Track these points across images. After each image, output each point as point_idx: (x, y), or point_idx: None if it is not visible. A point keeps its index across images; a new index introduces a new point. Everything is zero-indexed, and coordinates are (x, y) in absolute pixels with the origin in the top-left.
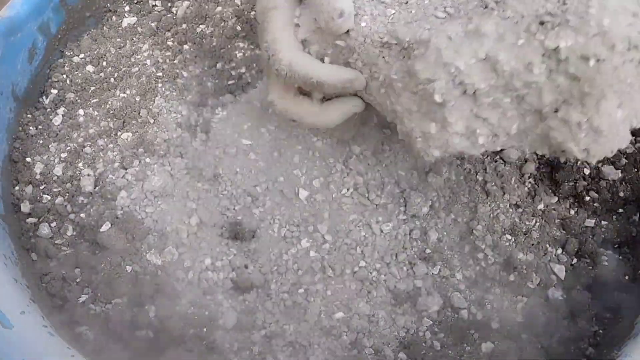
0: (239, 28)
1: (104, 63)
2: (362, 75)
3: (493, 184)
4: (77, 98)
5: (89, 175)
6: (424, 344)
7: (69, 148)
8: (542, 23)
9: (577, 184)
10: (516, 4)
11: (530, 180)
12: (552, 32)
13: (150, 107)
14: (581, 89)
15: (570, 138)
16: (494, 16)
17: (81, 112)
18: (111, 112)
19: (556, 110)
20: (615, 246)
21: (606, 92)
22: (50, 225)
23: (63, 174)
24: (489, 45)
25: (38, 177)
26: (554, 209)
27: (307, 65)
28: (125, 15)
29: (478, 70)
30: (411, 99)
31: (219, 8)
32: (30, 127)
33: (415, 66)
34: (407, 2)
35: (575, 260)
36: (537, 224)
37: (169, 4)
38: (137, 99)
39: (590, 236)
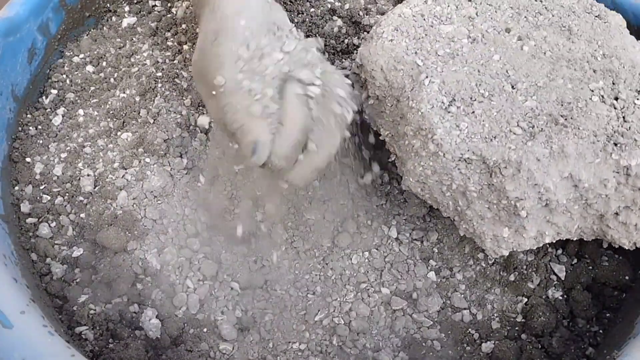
0: None
1: (104, 63)
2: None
3: None
4: (77, 98)
5: (89, 175)
6: (424, 344)
7: (69, 148)
8: (616, 144)
9: None
10: (584, 120)
11: None
12: (625, 152)
13: (150, 107)
14: None
15: (625, 236)
16: (571, 135)
17: (81, 112)
18: (111, 112)
19: (617, 214)
20: (615, 246)
21: None
22: (50, 225)
23: (63, 174)
24: (572, 164)
25: (38, 177)
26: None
27: None
28: (125, 15)
29: (562, 188)
30: (487, 207)
31: None
32: (30, 127)
33: (505, 186)
34: (473, 112)
35: (575, 260)
36: None
37: (169, 4)
38: (137, 99)
39: None
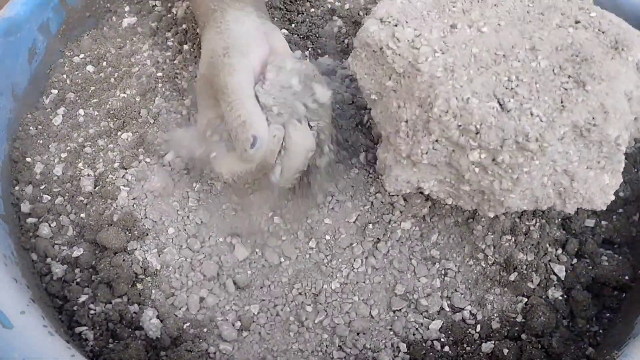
0: None
1: (104, 63)
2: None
3: None
4: (77, 98)
5: (89, 175)
6: (424, 344)
7: (69, 148)
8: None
9: None
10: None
11: None
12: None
13: (150, 107)
14: None
15: None
16: (590, 64)
17: (81, 112)
18: (111, 112)
19: None
20: (615, 246)
21: None
22: (50, 225)
23: (63, 174)
24: (619, 84)
25: (38, 177)
26: (553, 209)
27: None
28: (125, 15)
29: (627, 104)
30: (587, 169)
31: None
32: (30, 127)
33: (607, 131)
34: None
35: (575, 260)
36: (537, 224)
37: (169, 4)
38: (137, 99)
39: (590, 236)
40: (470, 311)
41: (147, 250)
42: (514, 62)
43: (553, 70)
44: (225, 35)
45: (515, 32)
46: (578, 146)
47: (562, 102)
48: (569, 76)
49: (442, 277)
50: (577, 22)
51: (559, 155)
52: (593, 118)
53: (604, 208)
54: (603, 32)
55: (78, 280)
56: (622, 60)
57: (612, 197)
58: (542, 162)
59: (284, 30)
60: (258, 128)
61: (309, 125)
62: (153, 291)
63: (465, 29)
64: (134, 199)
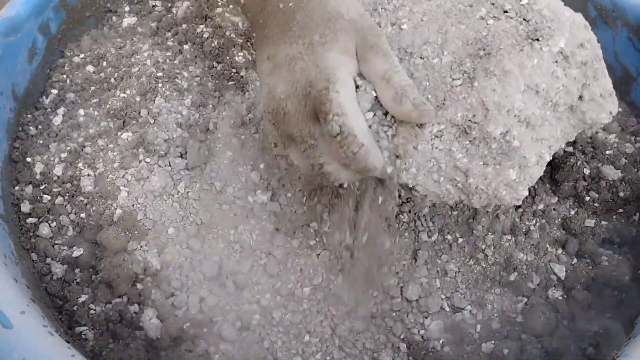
0: (240, 27)
1: (104, 63)
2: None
3: None
4: (77, 98)
5: (89, 175)
6: (424, 344)
7: (69, 148)
8: (536, 39)
9: (577, 184)
10: (498, 41)
11: None
12: (548, 40)
13: (151, 107)
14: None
15: (599, 110)
16: (499, 57)
17: (81, 112)
18: (111, 112)
19: (581, 97)
20: (615, 246)
21: None
22: (50, 225)
23: (63, 174)
24: (520, 77)
25: (38, 177)
26: (554, 209)
27: (376, 155)
28: (125, 15)
29: (529, 100)
30: (482, 164)
31: (219, 9)
32: (30, 127)
33: (487, 129)
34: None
35: (575, 260)
36: (537, 224)
37: (169, 4)
38: (137, 99)
39: (590, 236)
40: (470, 311)
41: (147, 250)
42: (417, 59)
43: (452, 66)
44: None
45: (433, 27)
46: (463, 143)
47: (444, 99)
48: (465, 72)
49: (442, 277)
50: (505, 11)
51: (439, 153)
52: (473, 115)
53: (517, 204)
54: (526, 21)
55: (78, 280)
56: (534, 52)
57: (525, 193)
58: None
59: None
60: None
61: None
62: (153, 291)
63: (387, 27)
64: (134, 199)
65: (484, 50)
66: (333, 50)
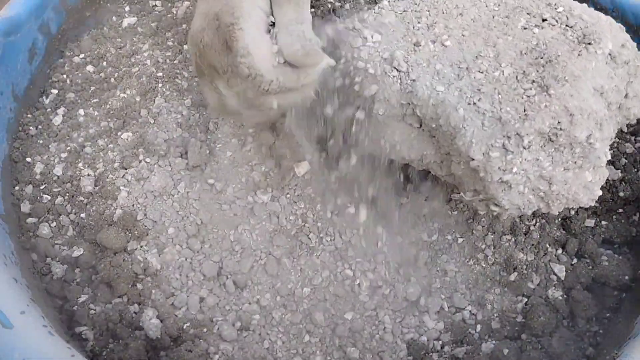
0: None
1: (104, 63)
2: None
3: None
4: (77, 98)
5: (89, 175)
6: (424, 344)
7: (69, 148)
8: (587, 43)
9: None
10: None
11: None
12: (596, 44)
13: (151, 107)
14: None
15: None
16: (562, 63)
17: (81, 112)
18: (111, 112)
19: (626, 95)
20: (615, 246)
21: None
22: (50, 225)
23: (63, 174)
24: (587, 80)
25: (38, 177)
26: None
27: (290, 81)
28: (125, 15)
29: (598, 103)
30: (563, 169)
31: None
32: (30, 127)
33: (575, 134)
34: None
35: (575, 260)
36: (537, 224)
37: (169, 4)
38: (137, 99)
39: (590, 236)
40: (470, 311)
41: (147, 250)
42: (476, 74)
43: (517, 77)
44: None
45: (479, 40)
46: (548, 151)
47: (524, 110)
48: (533, 81)
49: (442, 277)
50: (543, 19)
51: (528, 164)
52: (558, 122)
53: (592, 204)
54: (570, 27)
55: (78, 280)
56: (590, 55)
57: (599, 193)
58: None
59: None
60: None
61: None
62: (153, 291)
63: (428, 45)
64: (134, 199)
65: (542, 58)
66: None
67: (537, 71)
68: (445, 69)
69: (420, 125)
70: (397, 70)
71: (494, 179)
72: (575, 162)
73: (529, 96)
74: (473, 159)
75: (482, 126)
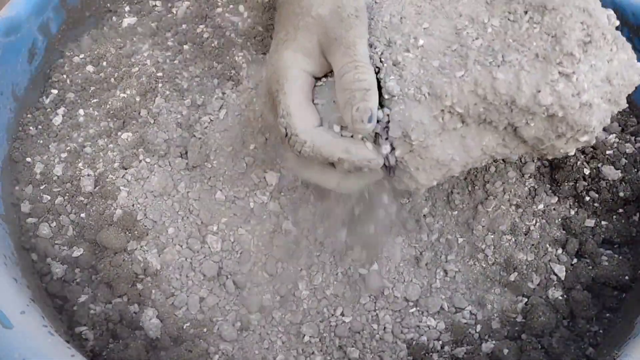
0: (240, 27)
1: (104, 63)
2: (380, 156)
3: (493, 184)
4: (77, 98)
5: (89, 175)
6: (424, 345)
7: (69, 148)
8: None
9: (577, 184)
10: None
11: (530, 180)
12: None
13: (151, 107)
14: None
15: None
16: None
17: (81, 112)
18: (111, 112)
19: None
20: (615, 246)
21: None
22: (50, 225)
23: (63, 174)
24: None
25: (38, 177)
26: (554, 209)
27: (328, 146)
28: (125, 15)
29: None
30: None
31: (219, 9)
32: (30, 127)
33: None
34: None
35: (575, 260)
36: (537, 224)
37: (169, 4)
38: (137, 99)
39: (590, 236)
40: (470, 311)
41: (147, 250)
42: (474, 42)
43: (508, 19)
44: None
45: (442, 21)
46: (591, 52)
47: (549, 35)
48: (525, 12)
49: (442, 277)
50: None
51: (589, 74)
52: (582, 22)
53: None
54: None
55: (78, 280)
56: None
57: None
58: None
59: None
60: (374, 102)
61: None
62: (153, 291)
63: (407, 54)
64: (134, 199)
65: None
66: (289, 49)
67: (518, 3)
68: (445, 59)
69: (463, 122)
70: (406, 91)
71: (575, 107)
72: (611, 50)
73: (537, 23)
74: (544, 106)
75: (528, 73)
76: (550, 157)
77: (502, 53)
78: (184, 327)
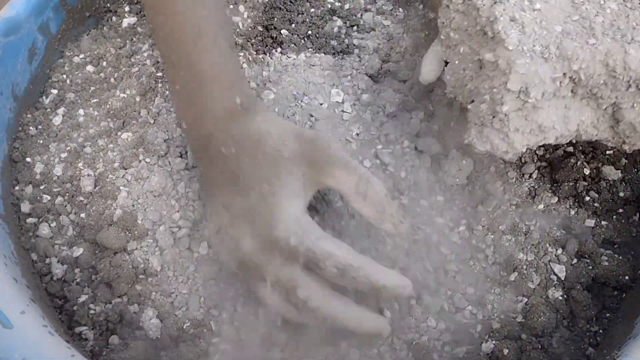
0: (240, 28)
1: (104, 63)
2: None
3: (493, 184)
4: (77, 98)
5: (89, 175)
6: (424, 344)
7: (69, 148)
8: None
9: (577, 184)
10: None
11: (530, 180)
12: None
13: (150, 107)
14: None
15: None
16: None
17: (81, 112)
18: (111, 112)
19: None
20: (615, 246)
21: None
22: (50, 225)
23: (63, 174)
24: None
25: (38, 177)
26: (554, 209)
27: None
28: (125, 15)
29: None
30: None
31: None
32: (30, 127)
33: None
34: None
35: (575, 260)
36: (537, 224)
37: None
38: (137, 99)
39: (590, 236)
40: (470, 311)
41: (147, 250)
42: (596, 18)
43: (625, 5)
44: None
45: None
46: None
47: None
48: None
49: (443, 277)
50: None
51: None
52: None
53: None
54: None
55: (78, 280)
56: None
57: None
58: None
59: (284, 31)
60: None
61: None
62: (153, 291)
63: (525, 13)
64: (134, 199)
65: None
66: (284, 199)
67: None
68: (568, 26)
69: (573, 92)
70: (532, 47)
71: None
72: None
73: None
74: None
75: None
76: (627, 148)
77: (630, 33)
78: (184, 327)
